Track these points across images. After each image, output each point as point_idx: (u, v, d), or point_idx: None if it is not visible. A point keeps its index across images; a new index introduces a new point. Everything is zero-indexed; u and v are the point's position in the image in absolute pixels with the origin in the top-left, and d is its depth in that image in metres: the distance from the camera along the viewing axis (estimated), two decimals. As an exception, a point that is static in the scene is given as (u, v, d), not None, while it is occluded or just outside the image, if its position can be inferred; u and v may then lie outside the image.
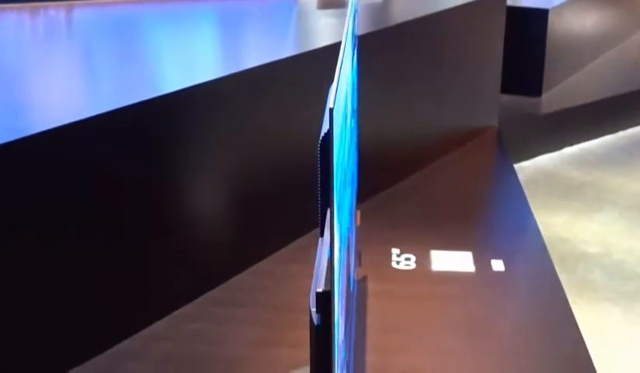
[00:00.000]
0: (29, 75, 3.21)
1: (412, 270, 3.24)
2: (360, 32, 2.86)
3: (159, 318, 2.83)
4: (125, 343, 2.69)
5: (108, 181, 2.61)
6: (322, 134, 1.34)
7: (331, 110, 1.28)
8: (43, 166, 2.40)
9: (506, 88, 5.21)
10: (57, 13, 4.14)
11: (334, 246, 1.33)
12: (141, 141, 2.71)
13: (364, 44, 2.84)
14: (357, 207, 2.64)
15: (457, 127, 4.68)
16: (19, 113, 2.75)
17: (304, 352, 1.38)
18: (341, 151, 1.53)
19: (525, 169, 5.25)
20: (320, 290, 1.31)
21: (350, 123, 2.02)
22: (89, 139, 2.53)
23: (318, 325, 1.31)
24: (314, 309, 1.31)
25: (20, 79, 3.15)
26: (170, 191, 2.86)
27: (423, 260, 3.30)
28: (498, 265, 3.25)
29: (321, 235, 1.49)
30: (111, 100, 2.73)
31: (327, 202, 1.35)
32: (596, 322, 3.44)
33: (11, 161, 2.33)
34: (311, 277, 1.38)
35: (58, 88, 3.02)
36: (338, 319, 1.43)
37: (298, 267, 3.05)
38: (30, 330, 2.42)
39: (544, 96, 5.84)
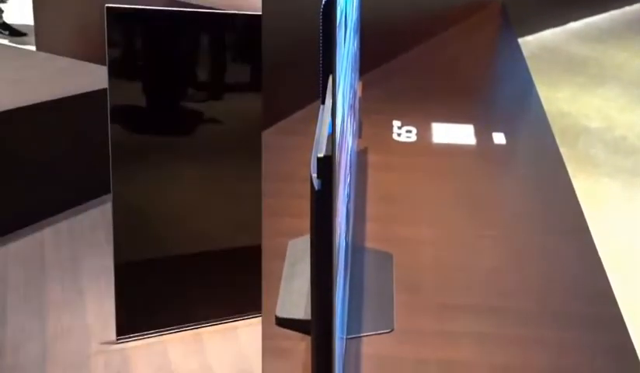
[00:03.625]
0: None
1: (413, 142, 3.23)
2: None
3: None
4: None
5: None
6: (325, -1, 1.31)
7: (333, -29, 1.24)
8: None
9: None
10: None
11: (335, 112, 1.32)
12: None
13: None
14: (359, 79, 2.61)
15: (461, 0, 4.60)
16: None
17: (305, 221, 1.37)
18: (343, 17, 1.49)
19: (529, 43, 5.20)
20: (321, 155, 1.30)
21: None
22: None
23: (318, 190, 1.30)
24: (314, 174, 1.31)
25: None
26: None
27: (424, 133, 3.29)
28: (499, 138, 3.25)
29: (323, 102, 1.47)
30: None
31: (329, 68, 1.32)
32: (596, 196, 3.46)
33: None
34: (310, 148, 1.36)
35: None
36: (338, 185, 1.42)
37: (298, 139, 3.04)
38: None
39: (551, -31, 5.73)
